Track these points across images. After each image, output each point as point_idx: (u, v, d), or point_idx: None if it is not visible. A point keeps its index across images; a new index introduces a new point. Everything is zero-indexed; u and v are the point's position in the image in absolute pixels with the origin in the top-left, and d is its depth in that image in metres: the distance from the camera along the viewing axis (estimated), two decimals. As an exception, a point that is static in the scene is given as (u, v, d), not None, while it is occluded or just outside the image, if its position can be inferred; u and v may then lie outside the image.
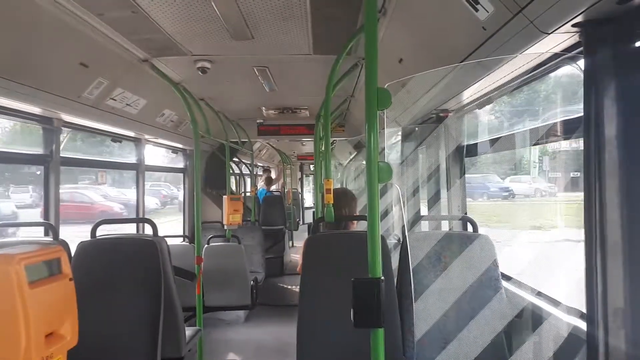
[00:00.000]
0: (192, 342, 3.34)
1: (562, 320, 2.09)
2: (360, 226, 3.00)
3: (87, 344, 1.80)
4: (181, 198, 6.34)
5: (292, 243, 10.33)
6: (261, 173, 11.11)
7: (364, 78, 1.36)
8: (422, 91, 2.99)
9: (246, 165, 8.61)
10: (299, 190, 14.96)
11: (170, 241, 3.59)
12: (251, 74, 3.97)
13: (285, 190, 11.70)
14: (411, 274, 2.43)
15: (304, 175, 17.02)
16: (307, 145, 10.61)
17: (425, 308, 2.41)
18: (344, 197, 2.97)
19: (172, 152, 5.94)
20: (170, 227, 7.76)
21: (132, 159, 4.82)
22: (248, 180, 9.69)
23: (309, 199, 15.69)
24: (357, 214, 3.03)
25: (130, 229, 4.83)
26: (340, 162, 10.34)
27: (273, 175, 11.21)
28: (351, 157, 9.21)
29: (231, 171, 6.23)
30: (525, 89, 2.57)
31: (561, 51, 1.82)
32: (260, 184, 10.17)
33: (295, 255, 9.25)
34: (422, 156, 4.02)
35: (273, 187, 10.41)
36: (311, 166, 17.20)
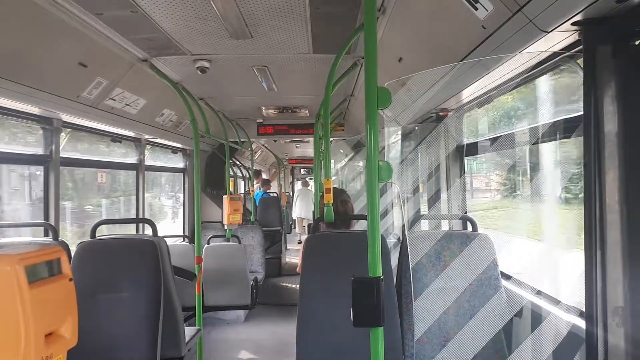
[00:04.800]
0: (191, 341, 3.35)
1: (562, 318, 2.09)
2: (359, 225, 3.00)
3: (86, 344, 1.80)
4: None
5: (286, 246, 10.34)
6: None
7: (364, 77, 1.36)
8: (421, 90, 2.99)
9: (245, 167, 8.63)
10: (291, 194, 14.98)
11: (170, 241, 3.59)
12: (250, 73, 3.97)
13: (280, 192, 11.75)
14: (411, 273, 2.43)
15: (295, 179, 16.98)
16: (300, 148, 10.60)
17: (424, 307, 2.41)
18: (340, 197, 2.95)
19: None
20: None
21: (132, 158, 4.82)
22: (245, 181, 9.70)
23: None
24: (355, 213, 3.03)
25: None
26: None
27: (264, 177, 11.21)
28: (346, 159, 9.10)
29: (231, 173, 6.23)
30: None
31: (561, 50, 1.82)
32: (256, 185, 10.18)
33: (289, 257, 9.23)
34: (421, 155, 4.02)
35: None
36: (302, 170, 17.18)
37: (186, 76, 3.93)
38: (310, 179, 18.16)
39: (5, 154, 3.19)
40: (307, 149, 10.80)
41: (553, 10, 1.52)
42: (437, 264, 2.48)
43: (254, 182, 10.07)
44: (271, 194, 9.67)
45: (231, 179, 6.05)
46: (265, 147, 10.02)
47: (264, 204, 8.75)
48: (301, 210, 11.87)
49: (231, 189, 6.05)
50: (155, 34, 2.90)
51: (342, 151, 8.29)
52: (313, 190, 13.58)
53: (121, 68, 3.29)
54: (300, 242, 12.05)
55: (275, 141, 8.75)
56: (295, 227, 12.20)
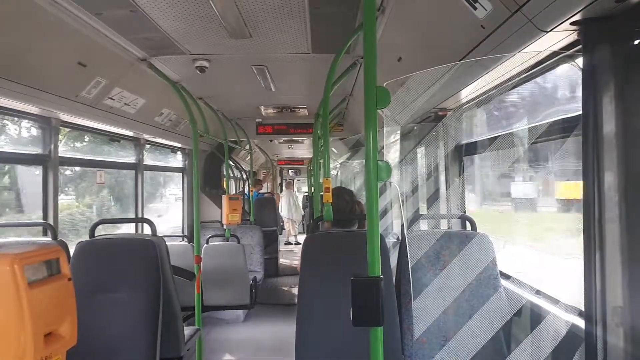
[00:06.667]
0: (191, 341, 3.34)
1: (561, 318, 2.10)
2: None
3: (85, 344, 1.79)
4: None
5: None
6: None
7: (363, 77, 1.35)
8: (420, 90, 2.99)
9: (242, 169, 8.62)
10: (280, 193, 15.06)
11: (169, 241, 3.58)
12: (249, 72, 3.96)
13: (274, 192, 11.88)
14: (410, 272, 2.43)
15: (283, 180, 16.96)
16: (292, 149, 10.58)
17: (424, 307, 2.41)
18: (348, 197, 2.96)
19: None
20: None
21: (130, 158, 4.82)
22: (242, 182, 9.68)
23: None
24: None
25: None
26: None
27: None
28: (341, 159, 8.97)
29: (231, 173, 6.23)
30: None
31: (560, 49, 1.82)
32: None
33: (281, 258, 9.21)
34: (421, 155, 4.02)
35: (263, 190, 10.47)
36: (290, 171, 17.17)
37: (185, 76, 3.93)
38: (299, 179, 18.20)
39: (5, 154, 3.19)
40: (297, 149, 10.81)
41: (552, 9, 1.52)
42: (436, 264, 2.48)
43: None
44: (265, 195, 9.68)
45: (227, 178, 6.06)
46: (259, 148, 10.01)
47: (259, 204, 8.76)
48: (283, 210, 12.16)
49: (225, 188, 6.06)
50: (154, 34, 2.89)
51: (335, 150, 8.19)
52: (296, 191, 13.79)
53: (120, 67, 3.28)
54: (287, 244, 12.10)
55: (271, 141, 8.74)
56: (284, 228, 12.29)
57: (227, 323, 5.57)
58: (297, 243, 12.13)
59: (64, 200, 3.69)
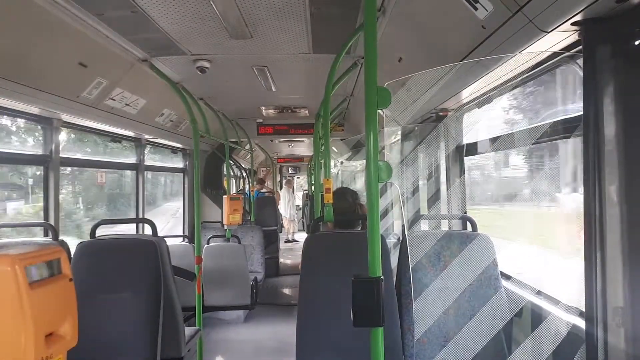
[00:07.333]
0: (191, 342, 3.34)
1: (562, 319, 2.09)
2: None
3: (86, 344, 1.79)
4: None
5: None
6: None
7: (364, 77, 1.36)
8: (421, 90, 2.99)
9: (242, 168, 8.63)
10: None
11: (170, 241, 3.59)
12: (250, 73, 3.97)
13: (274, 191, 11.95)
14: (411, 273, 2.43)
15: (283, 178, 16.94)
16: (292, 147, 10.59)
17: (424, 307, 2.41)
18: (351, 198, 2.95)
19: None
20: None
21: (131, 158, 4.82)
22: (243, 181, 9.68)
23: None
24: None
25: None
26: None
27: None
28: (342, 158, 8.91)
29: (231, 173, 6.23)
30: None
31: (561, 50, 1.82)
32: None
33: (281, 258, 9.23)
34: (421, 155, 4.02)
35: (264, 189, 10.51)
36: (289, 169, 17.21)
37: (186, 76, 3.93)
38: (298, 177, 18.19)
39: (6, 154, 3.19)
40: (297, 147, 10.81)
41: (553, 10, 1.53)
42: (437, 264, 2.47)
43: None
44: (266, 194, 9.70)
45: (227, 178, 6.06)
46: (259, 146, 10.02)
47: (259, 203, 8.75)
48: (282, 208, 12.38)
49: (225, 188, 6.05)
50: (155, 34, 2.90)
51: (336, 150, 8.18)
52: (293, 190, 13.96)
53: (121, 68, 3.29)
54: (287, 242, 12.16)
55: (271, 140, 8.73)
56: (284, 226, 12.37)
57: (228, 323, 5.57)
58: (294, 240, 12.23)
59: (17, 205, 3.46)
